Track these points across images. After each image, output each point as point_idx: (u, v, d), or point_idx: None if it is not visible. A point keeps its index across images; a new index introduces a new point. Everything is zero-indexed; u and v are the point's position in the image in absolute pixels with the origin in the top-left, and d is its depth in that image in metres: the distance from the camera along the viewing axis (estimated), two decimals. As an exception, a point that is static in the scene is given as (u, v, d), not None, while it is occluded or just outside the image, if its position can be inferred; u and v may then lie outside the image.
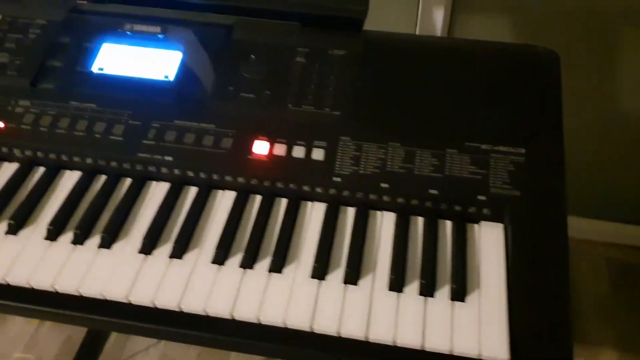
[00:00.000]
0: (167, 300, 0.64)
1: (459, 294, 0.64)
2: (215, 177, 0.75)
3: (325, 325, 0.62)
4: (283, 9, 0.85)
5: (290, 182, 0.73)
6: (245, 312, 0.63)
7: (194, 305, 0.63)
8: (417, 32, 1.36)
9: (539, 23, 1.39)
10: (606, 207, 1.66)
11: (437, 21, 1.44)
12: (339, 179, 0.72)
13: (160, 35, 0.85)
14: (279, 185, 0.74)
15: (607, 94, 1.41)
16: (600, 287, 1.67)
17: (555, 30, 1.36)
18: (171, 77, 0.81)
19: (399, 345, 0.61)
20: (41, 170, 0.78)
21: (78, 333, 1.51)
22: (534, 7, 1.39)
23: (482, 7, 1.48)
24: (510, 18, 1.48)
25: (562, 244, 0.68)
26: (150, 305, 0.64)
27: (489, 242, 0.70)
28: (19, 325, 1.55)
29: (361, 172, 0.72)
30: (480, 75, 0.78)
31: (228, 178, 0.75)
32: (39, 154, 0.77)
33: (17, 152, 0.78)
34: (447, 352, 0.60)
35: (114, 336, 1.54)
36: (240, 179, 0.74)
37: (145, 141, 0.76)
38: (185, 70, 0.81)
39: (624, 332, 1.53)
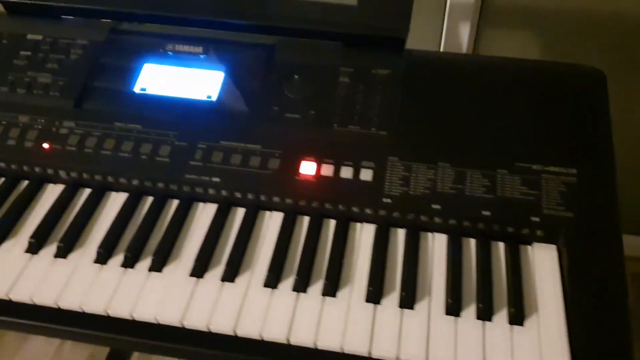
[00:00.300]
0: (222, 324, 0.63)
1: (517, 317, 0.63)
2: (262, 198, 0.74)
3: (384, 350, 0.61)
4: (324, 29, 0.85)
5: (339, 203, 0.73)
6: (302, 337, 0.62)
7: (249, 329, 0.63)
8: (441, 48, 1.36)
9: (565, 38, 1.39)
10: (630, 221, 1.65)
11: (462, 37, 1.44)
12: (389, 200, 0.71)
13: (202, 55, 0.85)
14: (328, 206, 0.73)
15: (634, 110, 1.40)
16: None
17: (580, 45, 1.36)
18: (214, 97, 0.81)
19: (460, 370, 0.60)
20: (87, 191, 0.77)
21: (101, 352, 1.51)
22: (561, 22, 1.39)
23: (508, 23, 1.48)
24: (535, 33, 1.48)
25: (618, 264, 0.67)
26: (205, 329, 0.63)
27: (543, 264, 0.69)
28: (42, 344, 1.54)
29: (411, 193, 0.72)
30: (527, 95, 0.78)
31: (276, 199, 0.74)
32: (85, 175, 0.77)
33: (62, 173, 0.77)
34: (509, 378, 0.59)
35: (136, 354, 1.54)
36: (288, 200, 0.74)
37: (192, 162, 0.75)
38: (227, 90, 0.81)
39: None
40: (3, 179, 0.79)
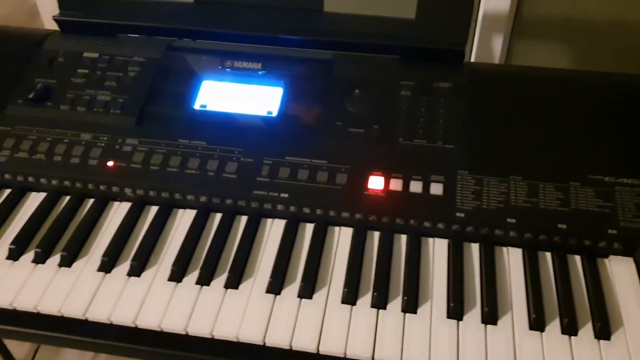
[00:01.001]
0: (305, 342, 0.62)
1: (604, 332, 0.62)
2: (332, 213, 0.74)
3: (472, 367, 0.60)
4: (382, 43, 0.85)
5: (411, 218, 0.72)
6: (387, 354, 0.61)
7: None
8: (472, 59, 1.36)
9: (598, 48, 1.39)
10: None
11: (495, 48, 1.44)
12: (462, 215, 0.71)
13: (260, 72, 0.85)
14: (399, 221, 0.72)
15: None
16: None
17: (612, 55, 1.36)
18: (274, 113, 0.81)
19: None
20: (154, 209, 0.76)
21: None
22: (594, 32, 1.39)
23: (541, 33, 1.48)
24: (569, 44, 1.48)
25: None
26: (287, 347, 0.63)
27: (622, 277, 0.68)
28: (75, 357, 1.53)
29: (484, 207, 0.71)
30: (595, 106, 0.77)
31: (345, 214, 0.74)
32: (152, 192, 0.76)
33: (128, 191, 0.77)
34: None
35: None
36: (358, 216, 0.73)
37: (259, 178, 0.75)
38: (288, 106, 0.81)
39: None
40: (68, 198, 0.78)
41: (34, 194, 0.80)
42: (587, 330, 0.63)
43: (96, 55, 0.87)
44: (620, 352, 0.61)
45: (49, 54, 0.88)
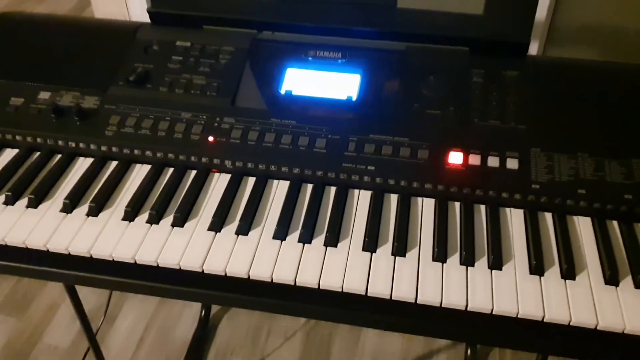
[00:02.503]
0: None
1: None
2: (415, 185, 0.81)
3: (560, 316, 0.67)
4: (453, 35, 0.93)
5: (490, 190, 0.79)
6: (479, 303, 0.68)
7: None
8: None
9: (630, 57, 1.47)
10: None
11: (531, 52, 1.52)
12: (537, 186, 0.78)
13: (339, 60, 0.93)
14: (479, 192, 0.80)
15: None
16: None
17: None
18: (354, 97, 0.88)
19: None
20: (251, 181, 0.84)
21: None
22: (626, 41, 1.47)
23: (575, 41, 1.56)
24: (601, 53, 1.56)
25: None
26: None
27: (685, 242, 0.75)
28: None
29: (557, 179, 0.78)
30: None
31: (428, 186, 0.81)
32: (250, 165, 0.84)
33: (228, 163, 0.84)
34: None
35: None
36: (440, 187, 0.81)
37: (347, 153, 0.82)
38: (366, 91, 0.89)
39: None
40: (172, 169, 0.85)
41: (138, 165, 0.87)
42: (657, 286, 0.70)
43: (188, 44, 0.95)
44: (690, 304, 0.68)
45: (143, 42, 0.96)
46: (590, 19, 1.54)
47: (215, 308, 1.68)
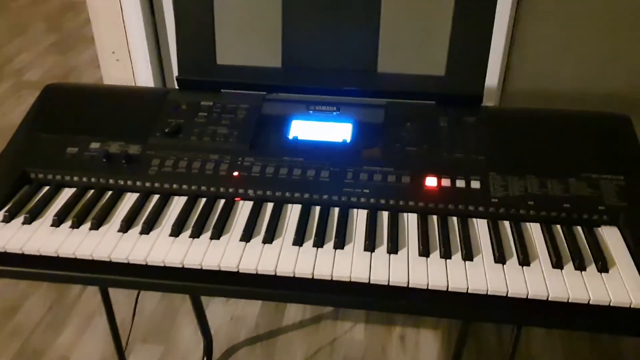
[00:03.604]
0: (399, 278, 0.89)
1: (604, 267, 0.91)
2: (401, 203, 1.03)
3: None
4: (422, 92, 1.18)
5: (459, 204, 1.02)
6: (457, 284, 0.89)
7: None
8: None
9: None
10: None
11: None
12: (496, 200, 1.01)
13: (334, 113, 1.17)
14: (451, 207, 1.02)
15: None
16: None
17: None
18: (348, 140, 1.12)
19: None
20: (270, 205, 1.04)
21: None
22: (567, 101, 1.76)
23: (523, 103, 1.84)
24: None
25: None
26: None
27: (611, 238, 0.98)
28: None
29: (510, 195, 1.01)
30: (578, 130, 1.10)
31: (411, 203, 1.03)
32: (268, 192, 1.05)
33: (250, 192, 1.05)
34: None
35: None
36: (421, 204, 1.02)
37: (346, 181, 1.04)
38: (358, 135, 1.12)
39: None
40: (205, 199, 1.06)
41: (176, 197, 1.07)
42: (592, 268, 0.92)
43: (211, 103, 1.18)
44: (617, 281, 0.90)
45: (173, 103, 1.19)
46: (538, 84, 1.83)
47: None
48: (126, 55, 1.88)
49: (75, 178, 1.08)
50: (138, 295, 1.49)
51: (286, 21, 1.17)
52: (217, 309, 2.02)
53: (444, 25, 1.15)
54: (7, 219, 1.00)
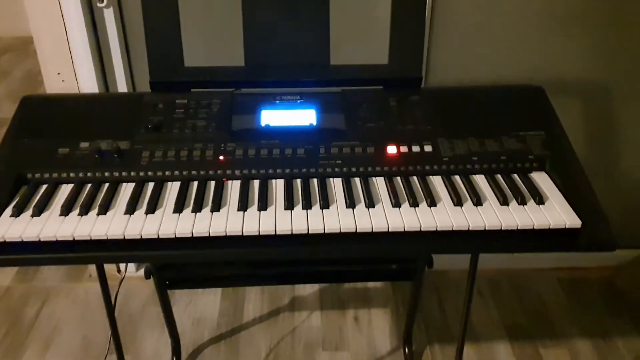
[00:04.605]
0: (380, 224, 1.07)
1: (541, 201, 1.13)
2: (369, 169, 1.20)
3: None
4: (370, 78, 1.37)
5: (417, 166, 1.21)
6: (427, 224, 1.07)
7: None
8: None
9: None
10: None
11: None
12: (447, 159, 1.21)
13: (298, 101, 1.33)
14: (410, 168, 1.20)
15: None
16: (559, 298, 2.23)
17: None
18: (314, 123, 1.28)
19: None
20: (256, 182, 1.19)
21: None
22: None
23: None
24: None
25: (579, 171, 1.20)
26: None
27: (542, 180, 1.20)
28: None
29: (457, 154, 1.22)
30: (508, 100, 1.33)
31: (377, 169, 1.20)
32: (253, 171, 1.19)
33: (237, 172, 1.19)
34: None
35: None
36: (386, 168, 1.20)
37: (320, 155, 1.21)
38: (322, 119, 1.29)
39: (578, 327, 2.07)
40: (197, 182, 1.18)
41: (169, 183, 1.19)
42: (531, 203, 1.13)
43: (185, 101, 1.31)
44: (552, 210, 1.11)
45: (150, 103, 1.30)
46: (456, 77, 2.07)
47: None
48: (72, 75, 1.95)
49: (72, 174, 1.17)
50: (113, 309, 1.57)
51: (246, 24, 1.32)
52: (179, 314, 2.09)
53: (384, 21, 1.34)
54: (16, 214, 1.08)
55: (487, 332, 2.05)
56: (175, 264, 1.64)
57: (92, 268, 2.29)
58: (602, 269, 2.31)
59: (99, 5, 1.77)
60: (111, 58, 1.88)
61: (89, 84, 1.90)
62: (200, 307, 2.17)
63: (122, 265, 2.18)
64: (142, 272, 1.53)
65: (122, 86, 1.88)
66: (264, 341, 2.02)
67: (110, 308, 1.46)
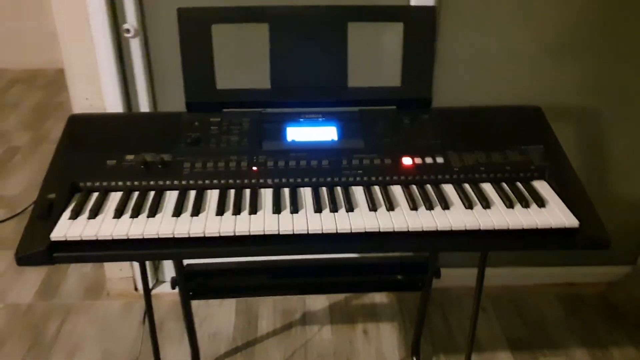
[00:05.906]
0: (400, 225, 1.20)
1: (542, 204, 1.27)
2: (387, 178, 1.34)
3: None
4: (385, 99, 1.52)
5: (431, 175, 1.34)
6: (443, 225, 1.21)
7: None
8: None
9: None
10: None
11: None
12: (457, 169, 1.35)
13: (320, 120, 1.47)
14: (425, 178, 1.34)
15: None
16: (556, 312, 2.36)
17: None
18: (336, 139, 1.42)
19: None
20: (287, 190, 1.32)
21: None
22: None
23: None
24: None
25: (575, 179, 1.34)
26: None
27: (543, 187, 1.34)
28: None
29: (466, 165, 1.36)
30: (507, 118, 1.48)
31: (395, 178, 1.34)
32: (283, 180, 1.32)
33: (269, 181, 1.32)
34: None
35: None
36: (402, 177, 1.34)
37: (342, 165, 1.34)
38: (342, 135, 1.43)
39: (575, 339, 2.21)
40: (233, 190, 1.31)
41: (209, 191, 1.32)
42: (534, 206, 1.27)
43: (219, 119, 1.45)
44: (553, 212, 1.25)
45: (187, 121, 1.44)
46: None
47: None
48: (99, 100, 2.10)
49: (120, 183, 1.30)
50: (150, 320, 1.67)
51: (273, 51, 1.47)
52: (195, 329, 2.19)
53: (396, 48, 1.50)
54: (74, 216, 1.20)
55: (490, 344, 2.16)
56: (201, 274, 1.76)
57: (110, 286, 2.39)
58: (597, 284, 2.44)
59: (126, 35, 1.92)
60: (135, 84, 2.03)
61: (114, 108, 2.05)
62: (216, 322, 2.26)
63: (139, 283, 2.29)
64: (157, 289, 1.64)
65: (144, 109, 2.03)
66: (279, 353, 2.12)
67: (152, 322, 1.57)
